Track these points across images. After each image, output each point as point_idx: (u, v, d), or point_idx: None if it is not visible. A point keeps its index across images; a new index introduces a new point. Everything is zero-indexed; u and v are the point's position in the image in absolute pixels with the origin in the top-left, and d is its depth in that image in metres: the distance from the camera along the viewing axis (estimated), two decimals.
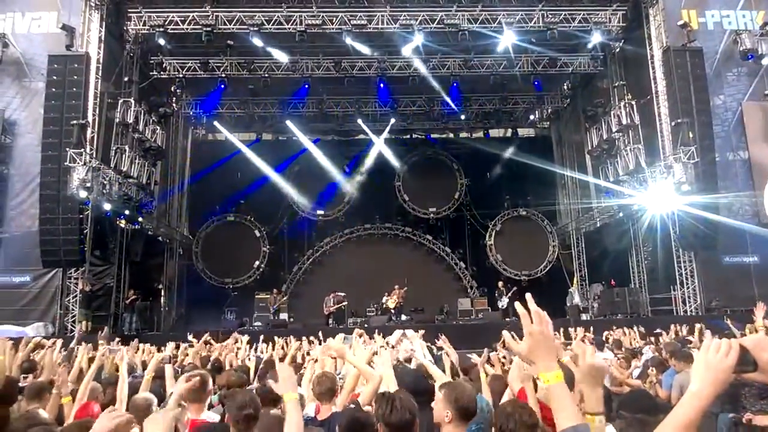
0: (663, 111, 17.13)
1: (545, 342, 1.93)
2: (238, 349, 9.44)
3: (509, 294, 19.89)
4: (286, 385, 2.93)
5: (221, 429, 3.84)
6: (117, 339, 13.58)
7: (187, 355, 8.49)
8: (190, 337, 10.41)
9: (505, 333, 2.46)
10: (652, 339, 10.44)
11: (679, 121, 16.26)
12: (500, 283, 20.77)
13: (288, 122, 22.64)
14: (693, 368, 1.68)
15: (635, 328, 12.19)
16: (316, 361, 5.60)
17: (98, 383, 5.19)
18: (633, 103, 17.80)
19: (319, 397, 4.19)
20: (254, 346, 10.15)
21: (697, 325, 9.49)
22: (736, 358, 1.62)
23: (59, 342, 8.65)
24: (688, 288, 17.36)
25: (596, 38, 17.74)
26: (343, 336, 5.08)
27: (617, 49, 18.78)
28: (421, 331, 7.93)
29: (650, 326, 13.15)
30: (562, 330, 11.28)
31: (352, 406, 3.75)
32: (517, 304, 2.01)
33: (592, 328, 11.75)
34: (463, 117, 23.29)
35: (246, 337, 10.67)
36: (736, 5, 19.16)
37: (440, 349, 6.85)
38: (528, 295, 1.97)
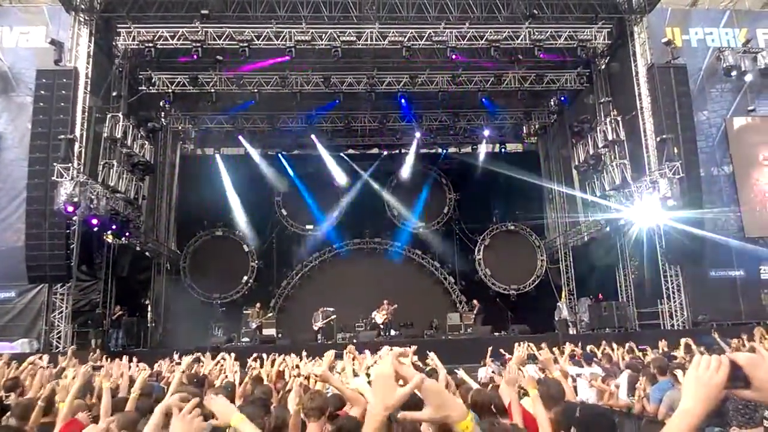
0: (648, 127, 17.31)
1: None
2: (222, 366, 9.31)
3: (474, 311, 20.35)
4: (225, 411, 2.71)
5: None
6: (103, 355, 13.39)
7: (173, 372, 8.37)
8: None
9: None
10: (640, 355, 10.42)
11: (664, 136, 16.43)
12: (474, 301, 21.18)
13: (276, 138, 22.66)
14: (683, 385, 1.65)
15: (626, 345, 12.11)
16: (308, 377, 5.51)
17: (82, 400, 5.11)
18: (619, 119, 17.91)
19: (307, 414, 4.12)
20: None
21: (683, 340, 9.37)
22: (726, 373, 1.60)
23: (45, 357, 8.53)
24: (674, 302, 17.41)
25: (582, 55, 17.92)
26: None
27: (603, 66, 19.01)
28: (414, 347, 7.87)
29: (638, 341, 13.12)
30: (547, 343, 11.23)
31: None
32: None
33: (580, 343, 11.72)
34: (451, 132, 23.58)
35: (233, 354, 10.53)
36: (719, 23, 19.58)
37: (432, 370, 6.81)
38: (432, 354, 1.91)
